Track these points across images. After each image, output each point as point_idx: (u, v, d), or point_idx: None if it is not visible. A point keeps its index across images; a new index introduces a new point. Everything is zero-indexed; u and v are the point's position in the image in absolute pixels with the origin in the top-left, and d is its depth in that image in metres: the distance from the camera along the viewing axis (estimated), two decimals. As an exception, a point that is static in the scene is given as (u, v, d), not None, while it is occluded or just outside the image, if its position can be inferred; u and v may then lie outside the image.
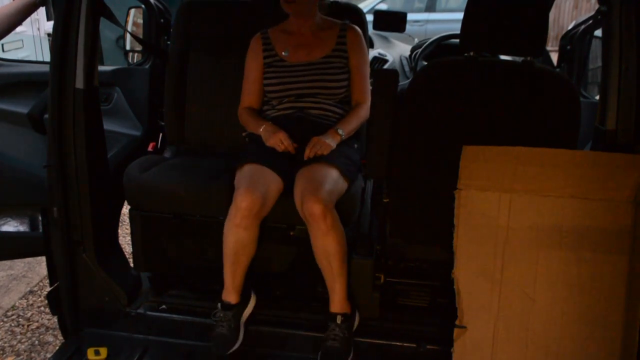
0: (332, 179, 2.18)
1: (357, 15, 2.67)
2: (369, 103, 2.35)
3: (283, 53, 2.44)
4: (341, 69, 2.43)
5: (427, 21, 8.57)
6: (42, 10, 5.70)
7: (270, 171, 2.21)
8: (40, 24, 5.73)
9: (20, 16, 2.02)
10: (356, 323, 2.22)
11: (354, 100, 2.46)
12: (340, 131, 2.32)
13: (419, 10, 9.00)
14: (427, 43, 3.67)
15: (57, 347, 2.51)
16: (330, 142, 2.27)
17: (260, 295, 2.30)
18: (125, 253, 2.61)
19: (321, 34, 2.47)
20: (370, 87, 2.60)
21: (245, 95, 2.50)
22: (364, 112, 2.40)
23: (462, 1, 7.61)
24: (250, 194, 2.09)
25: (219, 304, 2.19)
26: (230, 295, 2.18)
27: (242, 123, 2.49)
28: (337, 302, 2.16)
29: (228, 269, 2.17)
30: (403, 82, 3.06)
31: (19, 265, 3.63)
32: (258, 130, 2.36)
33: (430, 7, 9.15)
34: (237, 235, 2.12)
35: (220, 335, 2.14)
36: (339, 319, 2.14)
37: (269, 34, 2.50)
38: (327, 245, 2.10)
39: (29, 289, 3.41)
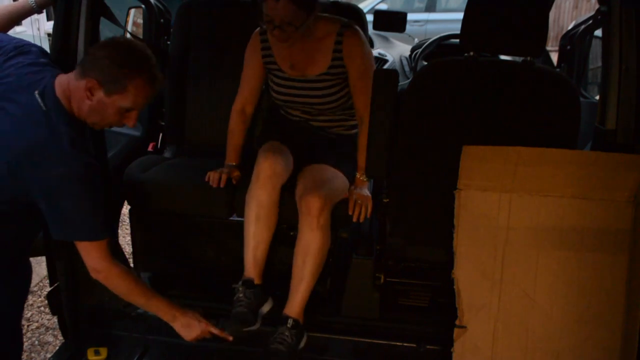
0: (335, 181, 2.20)
1: (357, 15, 2.66)
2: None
3: (289, 66, 2.32)
4: (339, 84, 2.31)
5: (427, 21, 8.57)
6: (42, 10, 5.68)
7: (286, 147, 2.28)
8: (40, 24, 5.73)
9: (17, 18, 2.03)
10: (303, 342, 2.13)
11: (357, 112, 2.33)
12: (363, 177, 2.28)
13: (419, 10, 9.00)
14: (427, 43, 3.68)
15: (57, 347, 2.51)
16: (365, 192, 2.27)
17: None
18: (125, 253, 2.61)
19: (316, 45, 2.27)
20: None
21: (240, 93, 2.43)
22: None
23: (462, 1, 7.61)
24: (272, 156, 2.15)
25: (240, 282, 2.14)
26: (251, 272, 2.14)
27: (229, 126, 2.42)
28: (294, 306, 2.11)
29: (249, 241, 2.15)
30: (403, 82, 3.06)
31: (19, 265, 3.62)
32: (226, 160, 2.38)
33: (430, 7, 9.15)
34: (259, 199, 2.13)
35: (239, 314, 2.07)
36: (290, 323, 2.07)
37: (268, 34, 2.38)
38: (310, 242, 2.09)
39: (29, 289, 3.41)
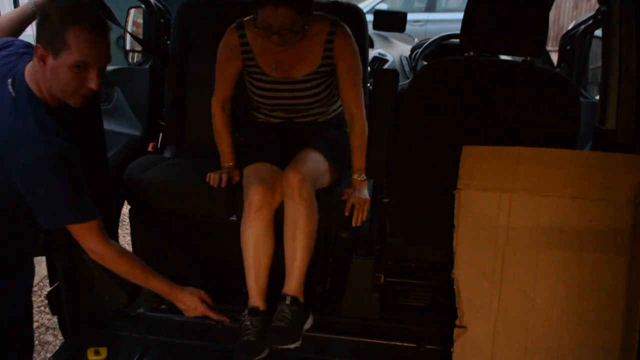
0: (314, 159, 2.22)
1: (357, 15, 2.66)
2: (364, 114, 2.28)
3: (272, 69, 2.28)
4: (325, 81, 2.31)
5: (427, 21, 8.57)
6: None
7: (274, 166, 2.23)
8: (40, 24, 5.73)
9: (19, 25, 2.02)
10: (309, 324, 2.14)
11: (347, 109, 2.32)
12: (361, 177, 2.27)
13: (419, 10, 8.99)
14: (427, 43, 3.67)
15: (57, 347, 2.51)
16: (364, 194, 2.26)
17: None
18: (125, 253, 2.61)
19: (306, 46, 2.25)
20: (370, 87, 2.60)
21: (218, 88, 2.40)
22: (364, 129, 2.27)
23: (462, 1, 7.60)
24: (261, 186, 2.12)
25: (246, 310, 2.13)
26: (256, 299, 2.13)
27: (214, 127, 2.42)
28: (291, 285, 2.10)
29: (250, 270, 2.14)
30: (403, 82, 3.06)
31: (19, 265, 3.62)
32: (222, 162, 2.38)
33: (430, 7, 9.15)
34: (254, 229, 2.12)
35: (247, 343, 2.05)
36: (288, 300, 2.07)
37: (246, 31, 2.30)
38: (297, 215, 2.08)
39: (29, 289, 3.41)
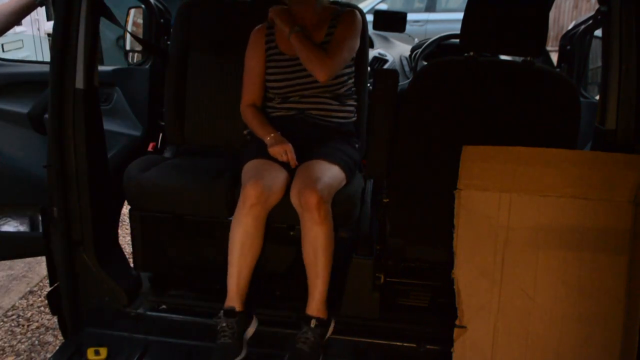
0: (331, 173, 2.19)
1: (357, 15, 2.67)
2: (332, 63, 2.27)
3: (288, 47, 2.37)
4: None
5: (427, 21, 8.57)
6: (42, 10, 5.70)
7: (276, 164, 2.22)
8: (40, 24, 5.73)
9: (18, 16, 2.01)
10: (330, 330, 2.18)
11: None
12: (297, 28, 2.30)
13: (419, 10, 9.00)
14: (427, 43, 3.67)
15: (57, 347, 2.51)
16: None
17: (261, 295, 2.30)
18: (125, 253, 2.61)
19: (317, 23, 2.42)
20: (370, 87, 2.60)
21: (247, 90, 2.46)
22: (323, 59, 2.27)
23: (462, 1, 7.61)
24: (259, 183, 2.11)
25: (222, 312, 2.13)
26: (233, 301, 2.13)
27: (247, 123, 2.45)
28: (315, 305, 2.13)
29: (233, 268, 2.14)
30: (403, 82, 3.06)
31: (19, 265, 3.63)
32: (265, 137, 2.32)
33: (430, 7, 9.15)
34: (245, 226, 2.11)
35: (223, 345, 2.07)
36: (312, 323, 2.10)
37: (273, 27, 2.45)
38: (317, 237, 2.09)
39: (29, 289, 3.41)
